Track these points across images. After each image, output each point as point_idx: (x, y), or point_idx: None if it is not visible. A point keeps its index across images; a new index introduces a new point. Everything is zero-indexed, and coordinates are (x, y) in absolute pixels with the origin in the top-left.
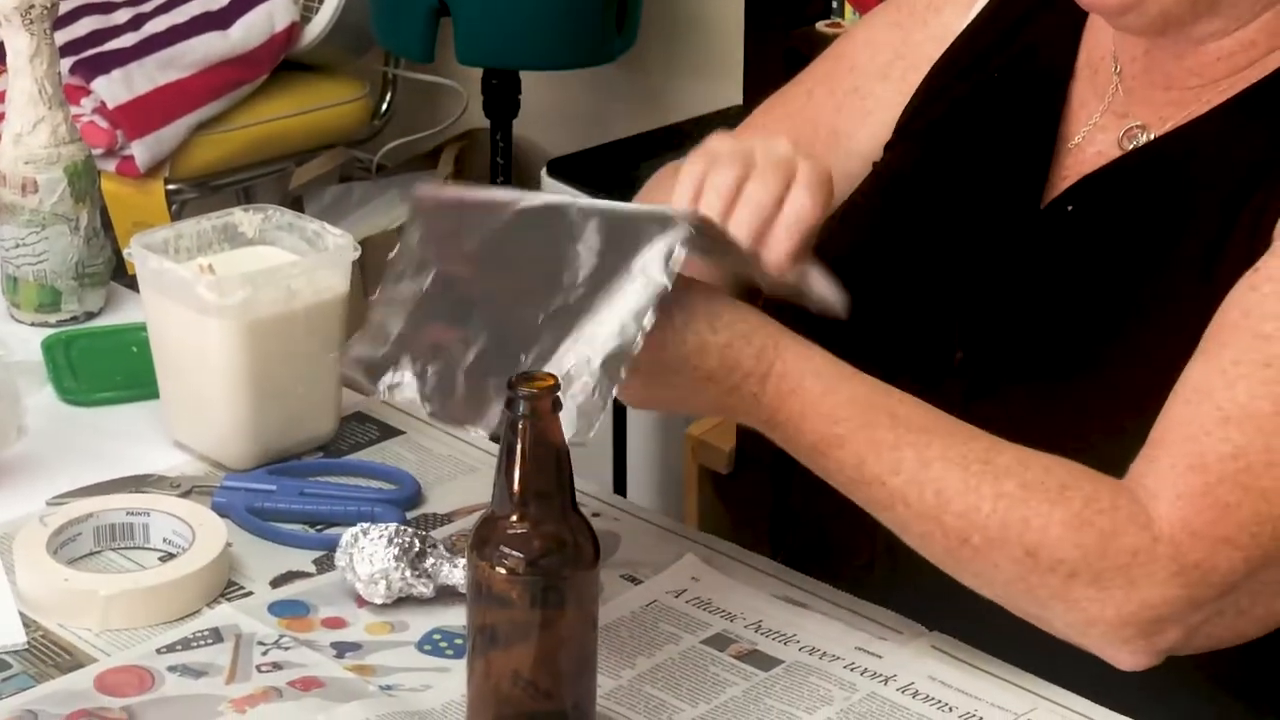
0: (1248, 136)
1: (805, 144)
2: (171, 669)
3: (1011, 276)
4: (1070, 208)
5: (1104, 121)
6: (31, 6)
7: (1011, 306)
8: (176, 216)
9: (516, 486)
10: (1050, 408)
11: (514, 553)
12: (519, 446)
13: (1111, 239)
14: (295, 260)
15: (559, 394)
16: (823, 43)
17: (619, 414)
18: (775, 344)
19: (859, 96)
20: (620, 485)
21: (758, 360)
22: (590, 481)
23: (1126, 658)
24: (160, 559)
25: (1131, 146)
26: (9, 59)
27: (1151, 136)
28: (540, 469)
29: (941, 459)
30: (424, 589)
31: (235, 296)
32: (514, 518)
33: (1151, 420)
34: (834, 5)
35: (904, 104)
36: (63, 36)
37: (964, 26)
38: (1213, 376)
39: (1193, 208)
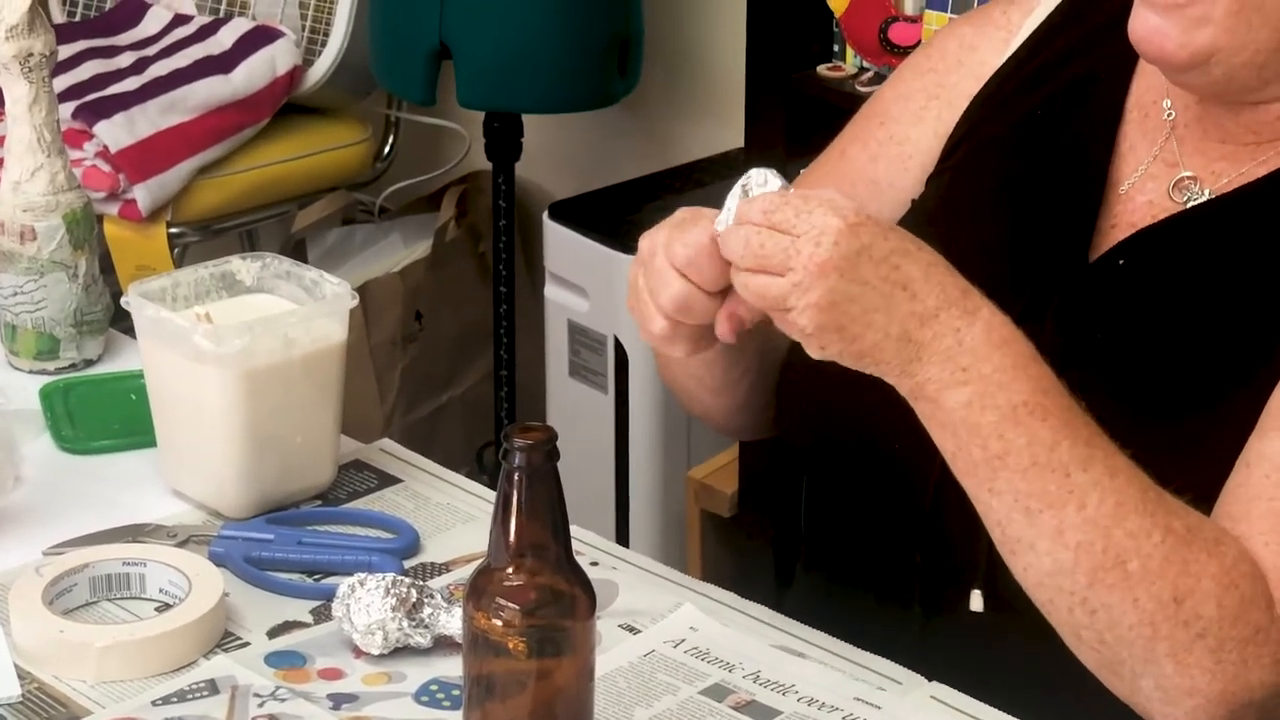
0: None
1: None
2: None
3: (1058, 328)
4: (1122, 261)
5: (1154, 169)
6: (30, 55)
7: (1054, 359)
8: (179, 260)
9: (512, 538)
10: None
11: (509, 604)
12: (515, 498)
13: (1165, 297)
14: (293, 309)
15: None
16: (823, 85)
17: (621, 458)
18: (975, 290)
19: (895, 144)
20: (623, 530)
21: (965, 295)
22: (590, 529)
23: None
24: (157, 609)
25: (1185, 200)
26: (8, 106)
27: (1206, 191)
28: (536, 521)
29: (1127, 471)
30: (421, 639)
31: (232, 345)
32: (510, 569)
33: (1206, 485)
34: (835, 49)
35: (943, 143)
36: (66, 80)
37: (1002, 62)
38: None
39: (1254, 273)
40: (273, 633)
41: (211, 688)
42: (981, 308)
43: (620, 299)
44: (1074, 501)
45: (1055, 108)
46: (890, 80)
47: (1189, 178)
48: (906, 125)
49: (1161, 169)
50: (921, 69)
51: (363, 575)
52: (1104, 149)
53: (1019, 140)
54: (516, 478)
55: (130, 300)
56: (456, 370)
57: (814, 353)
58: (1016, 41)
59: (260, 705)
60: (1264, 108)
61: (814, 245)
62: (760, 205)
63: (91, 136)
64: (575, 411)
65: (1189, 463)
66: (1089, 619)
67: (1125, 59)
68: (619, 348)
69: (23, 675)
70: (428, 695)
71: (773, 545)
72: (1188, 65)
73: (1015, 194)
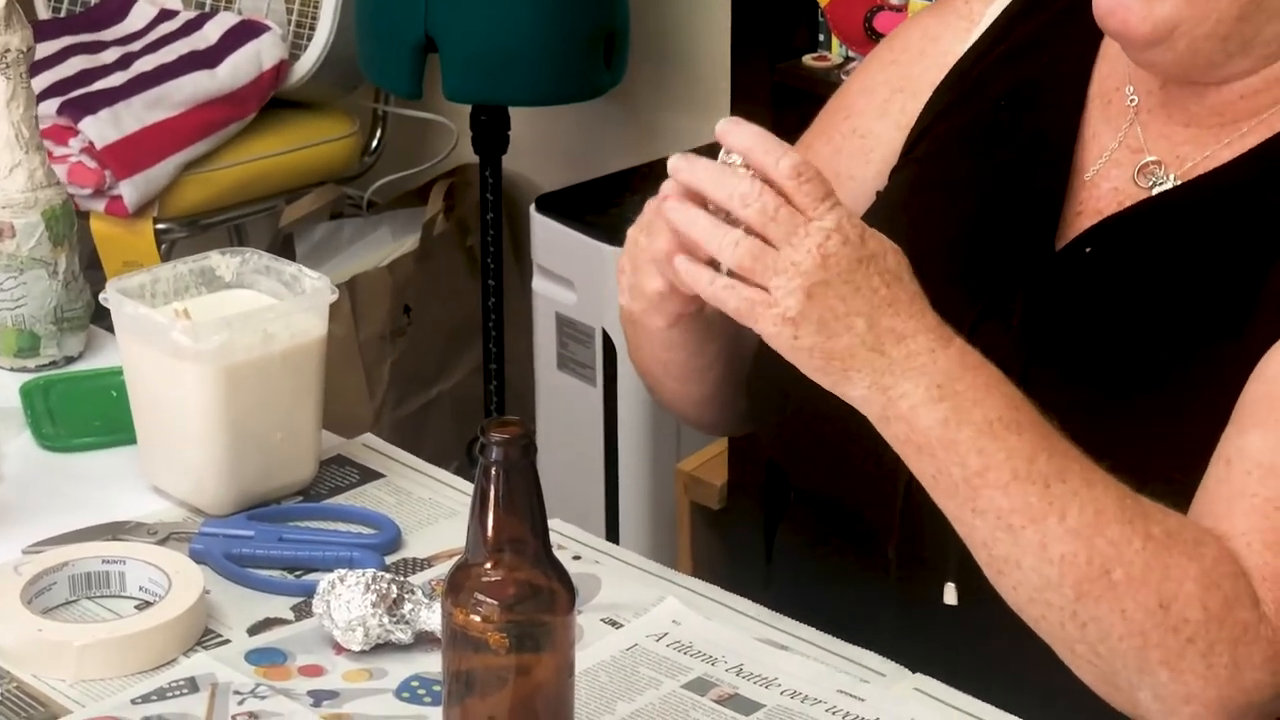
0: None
1: None
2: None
3: (1024, 317)
4: (1089, 249)
5: (1119, 156)
6: (7, 51)
7: (1022, 349)
8: (166, 256)
9: (490, 533)
10: None
11: (488, 599)
12: (492, 493)
13: (1133, 285)
14: (272, 304)
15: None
16: (809, 76)
17: (610, 451)
18: (949, 325)
19: (858, 136)
20: (612, 523)
21: (940, 326)
22: (579, 522)
23: None
24: (136, 607)
25: (1151, 185)
26: None
27: (1171, 176)
28: (514, 515)
29: (1103, 482)
30: (402, 635)
31: (211, 341)
32: (488, 564)
33: (1176, 473)
34: (820, 38)
35: (905, 134)
36: (51, 77)
37: (965, 50)
38: (1276, 450)
39: (1222, 259)
40: (253, 630)
41: (191, 685)
42: (955, 338)
43: (608, 291)
44: (1055, 513)
45: (1017, 97)
46: (855, 74)
47: (1153, 162)
48: (870, 119)
49: (1126, 155)
50: (885, 61)
51: (343, 571)
52: (1067, 137)
53: (982, 130)
54: (493, 472)
55: (109, 296)
56: (445, 364)
57: (785, 342)
58: (979, 31)
59: (240, 703)
60: (1227, 87)
61: (823, 236)
62: (792, 165)
63: (77, 133)
64: (564, 404)
65: (1157, 450)
66: (1080, 633)
67: (1086, 47)
68: (607, 340)
69: (1, 674)
70: (409, 691)
71: (764, 531)
72: (1151, 39)
73: (980, 184)
